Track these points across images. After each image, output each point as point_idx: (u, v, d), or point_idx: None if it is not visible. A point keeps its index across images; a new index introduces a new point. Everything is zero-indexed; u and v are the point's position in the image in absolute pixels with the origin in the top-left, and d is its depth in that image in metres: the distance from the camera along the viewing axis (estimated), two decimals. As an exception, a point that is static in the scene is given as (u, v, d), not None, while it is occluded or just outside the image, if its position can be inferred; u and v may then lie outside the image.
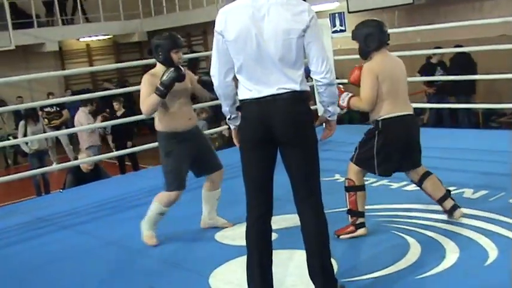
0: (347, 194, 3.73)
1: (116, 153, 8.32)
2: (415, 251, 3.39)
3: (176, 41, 3.81)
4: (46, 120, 11.47)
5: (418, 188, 4.56)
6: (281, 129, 2.69)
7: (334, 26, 11.79)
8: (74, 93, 13.83)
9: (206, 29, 14.63)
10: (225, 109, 2.91)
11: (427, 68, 9.60)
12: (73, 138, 11.14)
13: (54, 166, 8.31)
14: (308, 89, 2.77)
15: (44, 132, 9.12)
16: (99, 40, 17.12)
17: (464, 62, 9.06)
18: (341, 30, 12.06)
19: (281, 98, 2.68)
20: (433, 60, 9.71)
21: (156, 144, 6.33)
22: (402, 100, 3.64)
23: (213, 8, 12.75)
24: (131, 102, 14.65)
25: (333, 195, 4.38)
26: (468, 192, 4.31)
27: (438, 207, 4.01)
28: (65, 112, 11.98)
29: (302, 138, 2.73)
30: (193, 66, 13.02)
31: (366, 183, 4.91)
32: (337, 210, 4.16)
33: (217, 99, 3.07)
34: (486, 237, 3.45)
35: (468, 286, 2.98)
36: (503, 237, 3.45)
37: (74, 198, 5.62)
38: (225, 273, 3.41)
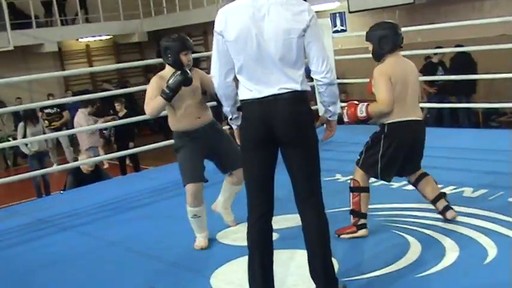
0: (351, 194, 3.73)
1: (117, 153, 8.32)
2: (415, 249, 3.40)
3: (185, 43, 3.79)
4: (46, 121, 11.47)
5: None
6: (282, 129, 2.69)
7: (335, 25, 11.81)
8: (74, 94, 13.83)
9: (206, 29, 14.63)
10: (226, 109, 2.92)
11: (429, 67, 9.60)
12: (73, 140, 11.15)
13: (55, 167, 8.32)
14: (309, 88, 2.77)
15: (44, 133, 9.12)
16: (98, 40, 17.12)
17: (464, 62, 9.06)
18: (342, 30, 12.10)
19: (282, 98, 2.68)
20: (434, 60, 9.72)
21: (157, 144, 6.42)
22: (411, 105, 3.62)
23: (213, 8, 12.76)
24: (133, 103, 14.69)
25: (334, 195, 4.39)
26: (468, 191, 4.32)
27: (434, 207, 4.02)
28: (66, 113, 11.98)
29: (303, 138, 2.74)
30: (193, 67, 12.97)
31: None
32: (338, 210, 4.17)
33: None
34: (486, 236, 3.46)
35: (468, 284, 2.98)
36: (503, 235, 3.46)
37: (74, 199, 5.63)
38: (226, 273, 3.42)
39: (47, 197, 8.25)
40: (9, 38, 13.26)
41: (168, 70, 3.81)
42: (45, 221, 4.95)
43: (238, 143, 3.00)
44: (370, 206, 4.25)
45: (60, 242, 4.41)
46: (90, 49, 17.30)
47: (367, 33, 3.73)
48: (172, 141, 6.65)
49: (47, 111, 11.79)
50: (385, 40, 3.59)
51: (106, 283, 3.57)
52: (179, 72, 3.64)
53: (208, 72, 3.16)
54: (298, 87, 2.69)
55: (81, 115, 9.58)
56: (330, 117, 2.91)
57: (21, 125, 9.26)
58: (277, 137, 2.72)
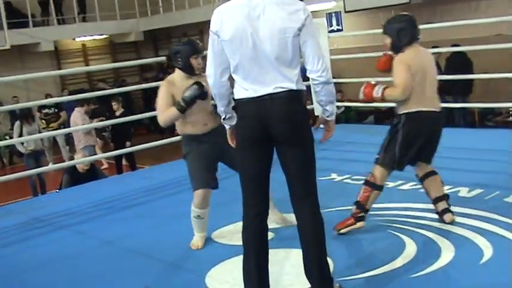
0: (363, 187, 3.74)
1: (113, 153, 8.31)
2: (410, 249, 3.40)
3: (196, 47, 3.76)
4: (44, 122, 11.44)
5: (415, 186, 4.58)
6: (278, 128, 2.69)
7: (331, 25, 11.85)
8: (70, 94, 13.81)
9: (203, 29, 14.62)
10: (220, 109, 2.92)
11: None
12: (69, 139, 11.13)
13: (51, 166, 8.31)
14: (304, 88, 2.77)
15: (39, 132, 9.10)
16: (95, 40, 17.09)
17: (460, 62, 9.08)
18: (338, 30, 12.14)
19: (278, 97, 2.68)
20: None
21: (153, 143, 6.42)
22: (430, 95, 3.64)
23: (210, 8, 12.75)
24: (129, 102, 14.68)
25: (330, 194, 4.41)
26: (463, 191, 4.33)
27: (433, 207, 4.02)
28: (63, 114, 11.95)
29: (299, 138, 2.74)
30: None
31: (361, 182, 4.93)
32: (334, 209, 4.18)
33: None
34: (481, 236, 3.46)
35: (463, 285, 2.99)
36: (499, 236, 3.46)
37: (70, 198, 5.62)
38: (221, 273, 3.41)
39: (42, 196, 8.25)
40: (6, 37, 13.23)
41: (178, 74, 3.79)
42: (41, 219, 4.94)
43: (230, 142, 3.00)
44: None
45: (55, 241, 4.40)
46: (86, 48, 17.27)
47: (384, 26, 3.75)
48: (168, 140, 6.71)
49: (45, 111, 11.77)
50: (403, 33, 3.62)
51: (101, 282, 3.56)
52: (196, 86, 3.61)
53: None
54: (293, 86, 2.69)
55: (77, 114, 9.57)
56: (327, 117, 2.89)
57: (17, 124, 9.24)
58: (273, 136, 2.72)
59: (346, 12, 11.64)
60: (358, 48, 10.62)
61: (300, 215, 2.81)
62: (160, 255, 3.80)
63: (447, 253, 3.30)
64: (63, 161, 9.73)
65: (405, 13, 3.79)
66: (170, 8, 15.42)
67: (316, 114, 7.05)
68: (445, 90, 9.62)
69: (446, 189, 4.21)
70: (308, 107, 6.36)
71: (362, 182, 3.80)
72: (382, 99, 3.69)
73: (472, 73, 8.78)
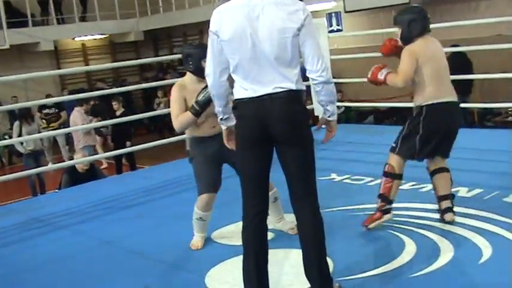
0: (384, 179, 3.73)
1: (113, 152, 8.31)
2: (410, 249, 3.40)
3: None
4: (45, 122, 11.44)
5: (414, 186, 4.60)
6: (278, 128, 2.69)
7: (331, 25, 11.85)
8: (70, 93, 13.82)
9: (203, 29, 14.62)
10: (218, 109, 2.93)
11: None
12: (69, 139, 11.13)
13: (50, 166, 8.31)
14: (304, 88, 2.77)
15: (39, 132, 9.10)
16: (94, 39, 17.09)
17: (460, 62, 9.06)
18: (338, 30, 12.14)
19: (277, 97, 2.68)
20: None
21: (153, 143, 6.42)
22: (447, 85, 3.66)
23: (210, 7, 12.75)
24: (130, 102, 14.68)
25: (329, 194, 4.41)
26: (463, 191, 4.33)
27: (433, 206, 4.03)
28: (63, 114, 11.96)
29: (298, 138, 2.74)
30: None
31: (361, 182, 4.95)
32: (334, 209, 4.18)
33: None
34: (480, 236, 3.47)
35: (462, 284, 2.99)
36: (498, 235, 3.47)
37: (69, 198, 5.61)
38: (221, 273, 3.41)
39: (42, 196, 8.25)
40: (5, 36, 13.25)
41: (189, 78, 3.78)
42: (40, 219, 4.94)
43: (225, 143, 3.00)
44: (365, 206, 4.27)
45: (55, 241, 4.40)
46: (86, 48, 17.28)
47: (395, 17, 3.76)
48: (168, 140, 6.71)
49: (45, 111, 11.78)
50: (414, 24, 3.63)
51: (100, 282, 3.56)
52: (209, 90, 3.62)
53: None
54: (293, 86, 2.69)
55: (77, 114, 9.58)
56: (329, 117, 2.89)
57: (16, 123, 9.24)
58: (273, 136, 2.72)
59: (346, 12, 11.64)
60: (358, 48, 10.62)
61: (300, 215, 2.81)
62: (160, 256, 3.80)
63: (446, 253, 3.30)
64: (63, 161, 9.73)
65: (416, 5, 3.79)
66: (170, 7, 15.42)
67: (316, 114, 7.06)
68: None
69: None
70: (308, 107, 6.37)
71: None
72: (384, 82, 3.72)
73: (472, 73, 8.77)
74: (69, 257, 4.01)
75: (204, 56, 3.63)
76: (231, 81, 2.83)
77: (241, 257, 2.83)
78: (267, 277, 2.81)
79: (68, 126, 9.89)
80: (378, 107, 11.36)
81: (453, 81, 3.80)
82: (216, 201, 3.95)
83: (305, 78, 2.78)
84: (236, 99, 2.79)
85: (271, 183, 3.65)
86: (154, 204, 5.05)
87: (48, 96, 13.61)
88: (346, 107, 10.44)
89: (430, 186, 4.49)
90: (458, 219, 3.76)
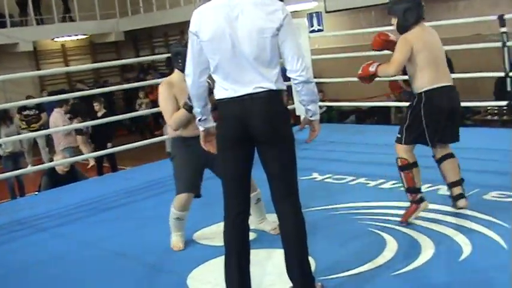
0: (402, 173, 3.74)
1: (94, 153, 8.24)
2: (391, 247, 3.42)
3: None
4: (24, 123, 11.30)
5: (395, 185, 4.62)
6: (258, 128, 2.69)
7: (312, 25, 11.88)
8: (50, 94, 13.67)
9: (184, 29, 14.54)
10: (197, 110, 2.93)
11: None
12: (49, 140, 11.00)
13: (29, 168, 8.21)
14: (284, 87, 2.77)
15: (18, 134, 9.00)
16: (74, 40, 16.94)
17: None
18: (319, 30, 12.17)
19: (258, 97, 2.68)
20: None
21: (133, 145, 6.38)
22: (443, 71, 3.71)
23: (191, 8, 12.70)
24: (111, 103, 14.57)
25: (311, 194, 4.42)
26: (443, 189, 4.34)
27: (447, 190, 4.03)
28: (43, 115, 11.81)
29: (279, 137, 2.74)
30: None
31: (343, 181, 4.97)
32: (315, 209, 4.19)
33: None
34: (461, 233, 3.50)
35: (443, 282, 3.01)
36: (477, 233, 3.50)
37: (49, 200, 5.55)
38: (203, 274, 3.40)
39: (21, 199, 8.13)
40: (-17, 37, 13.07)
41: (177, 75, 3.76)
42: (20, 222, 4.88)
43: (203, 145, 3.00)
44: (346, 205, 4.29)
45: (35, 243, 4.35)
46: (66, 49, 17.12)
47: (389, 7, 3.79)
48: (149, 141, 6.67)
49: (25, 112, 11.63)
50: (409, 12, 3.66)
51: (82, 284, 3.53)
52: None
53: None
54: (273, 86, 2.69)
55: (57, 115, 9.47)
56: (311, 117, 2.89)
57: (-6, 125, 9.12)
58: (254, 136, 2.72)
59: (327, 12, 11.69)
60: (339, 48, 10.67)
61: (282, 215, 2.81)
62: (142, 257, 3.78)
63: (427, 250, 3.32)
64: (43, 163, 9.61)
65: None
66: (151, 8, 15.35)
67: (297, 114, 7.07)
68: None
69: (426, 187, 4.26)
70: (289, 107, 6.36)
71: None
72: (375, 74, 3.76)
73: (453, 72, 8.84)
74: (50, 260, 3.97)
75: None
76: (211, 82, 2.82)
77: (223, 258, 2.82)
78: (249, 277, 2.82)
79: (48, 128, 9.78)
80: (359, 107, 11.41)
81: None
82: (198, 201, 3.94)
83: (286, 78, 2.78)
84: (217, 100, 2.79)
85: (255, 184, 3.66)
86: (136, 205, 5.02)
87: (28, 97, 13.44)
88: (328, 107, 10.48)
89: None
90: (439, 216, 3.79)
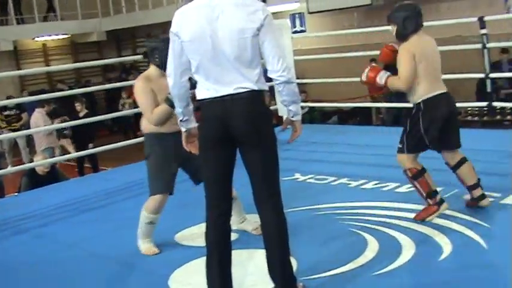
0: (416, 182, 3.75)
1: (75, 154, 8.17)
2: (372, 247, 3.44)
3: None
4: (5, 123, 11.18)
5: (377, 185, 4.64)
6: (240, 129, 2.69)
7: (295, 26, 11.90)
8: (30, 94, 13.52)
9: (166, 29, 14.34)
10: (178, 110, 2.91)
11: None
12: (30, 141, 10.89)
13: (9, 169, 8.11)
14: (266, 88, 2.77)
15: (-1, 134, 8.90)
16: (56, 40, 16.78)
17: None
18: (301, 31, 12.20)
19: (239, 98, 2.68)
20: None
21: (115, 145, 6.33)
22: (439, 78, 3.74)
23: (173, 8, 12.66)
24: (93, 103, 14.46)
25: (293, 194, 4.42)
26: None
27: (396, 205, 4.09)
28: (24, 115, 11.68)
29: (261, 138, 2.74)
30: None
31: (325, 182, 4.99)
32: (298, 209, 4.19)
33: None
34: (441, 233, 3.53)
35: (423, 281, 3.03)
36: (457, 232, 3.53)
37: (30, 201, 5.49)
38: (184, 275, 3.39)
39: (1, 200, 8.03)
40: (-38, 36, 12.89)
41: (153, 71, 3.69)
42: (0, 223, 4.82)
43: (184, 146, 2.98)
44: (328, 205, 4.30)
45: (16, 245, 4.30)
46: (47, 48, 16.95)
47: (389, 14, 3.80)
48: (131, 141, 6.62)
49: (6, 113, 11.50)
50: (408, 21, 3.68)
51: (62, 285, 3.49)
52: None
53: None
54: (254, 86, 2.69)
55: (38, 115, 9.39)
56: (292, 117, 2.88)
57: (-26, 126, 9.01)
58: (235, 137, 2.71)
59: (309, 13, 11.72)
60: (321, 49, 10.71)
61: (264, 215, 2.81)
62: (123, 258, 3.75)
63: (408, 250, 3.34)
64: (23, 164, 9.51)
65: (409, 2, 3.84)
66: (133, 8, 15.27)
67: (280, 114, 7.08)
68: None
69: (407, 188, 4.29)
70: (272, 107, 6.36)
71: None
72: (384, 87, 3.76)
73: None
74: (31, 261, 3.92)
75: None
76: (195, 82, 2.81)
77: (204, 259, 2.81)
78: (231, 278, 2.81)
79: (29, 128, 9.68)
80: (341, 107, 11.46)
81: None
82: (179, 202, 3.93)
83: (269, 79, 2.78)
84: (198, 100, 2.78)
85: None
86: (117, 206, 4.99)
87: (9, 97, 13.28)
88: (310, 107, 10.51)
89: (392, 185, 4.58)
90: (428, 218, 3.79)
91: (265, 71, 2.75)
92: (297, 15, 12.23)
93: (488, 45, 5.93)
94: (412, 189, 4.06)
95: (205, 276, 2.80)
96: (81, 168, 9.49)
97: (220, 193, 2.81)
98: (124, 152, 7.10)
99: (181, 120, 2.93)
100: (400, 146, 3.76)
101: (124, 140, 6.69)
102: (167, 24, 2.87)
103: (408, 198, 4.15)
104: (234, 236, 3.13)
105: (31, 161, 7.73)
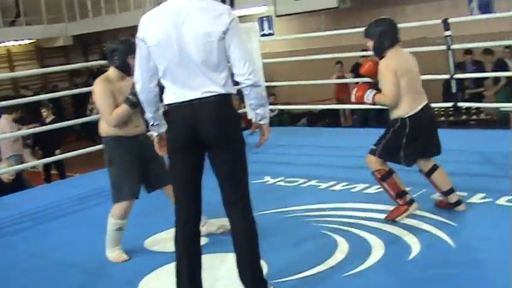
0: (385, 183, 3.77)
1: (42, 161, 8.02)
2: (342, 249, 3.46)
3: (133, 46, 3.56)
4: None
5: (346, 186, 4.67)
6: (208, 133, 2.68)
7: (263, 29, 11.93)
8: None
9: (133, 33, 14.14)
10: (148, 115, 2.89)
11: (356, 68, 9.84)
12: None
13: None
14: (233, 91, 2.76)
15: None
16: (20, 45, 16.49)
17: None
18: (269, 34, 12.23)
19: (207, 102, 2.67)
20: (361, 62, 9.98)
21: (83, 151, 6.23)
22: (421, 92, 3.77)
23: (140, 12, 12.49)
24: (60, 109, 14.23)
25: (263, 197, 4.42)
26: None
27: (365, 206, 4.11)
28: None
29: (229, 141, 2.73)
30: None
31: (295, 184, 5.00)
32: (267, 212, 4.19)
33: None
34: (410, 233, 3.56)
35: (392, 281, 3.06)
36: (425, 232, 3.58)
37: (-5, 209, 5.37)
38: (154, 281, 3.35)
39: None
40: None
41: (113, 73, 3.64)
42: (-37, 233, 4.70)
43: (157, 150, 2.96)
44: (298, 207, 4.31)
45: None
46: (11, 54, 16.65)
47: (366, 30, 3.82)
48: (100, 146, 6.51)
49: None
50: (384, 36, 3.70)
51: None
52: None
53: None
54: (222, 90, 2.68)
55: (4, 122, 9.17)
56: (260, 120, 2.88)
57: None
58: (204, 141, 2.70)
59: (277, 16, 11.77)
60: (289, 52, 10.75)
61: (233, 219, 2.80)
62: (91, 266, 3.69)
63: (377, 251, 3.37)
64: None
65: (385, 17, 3.87)
66: (100, 12, 15.09)
67: (249, 117, 7.07)
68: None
69: (375, 188, 4.33)
70: (241, 110, 6.36)
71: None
72: (373, 104, 3.78)
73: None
74: (-4, 271, 3.84)
75: (130, 51, 3.54)
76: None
77: (174, 264, 2.79)
78: (201, 283, 2.80)
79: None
80: (310, 110, 11.53)
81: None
82: (148, 207, 3.89)
83: (237, 82, 2.77)
84: (166, 105, 2.76)
85: None
86: (85, 213, 4.91)
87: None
88: (280, 110, 10.55)
89: (361, 186, 4.61)
90: (398, 218, 3.82)
91: (233, 75, 2.75)
92: (265, 19, 12.27)
93: (453, 46, 6.03)
94: (381, 190, 4.10)
95: (175, 281, 2.78)
96: (48, 175, 9.33)
97: (189, 198, 2.79)
98: (92, 157, 7.00)
99: (152, 125, 2.91)
100: (374, 148, 3.78)
101: (92, 146, 6.59)
102: (134, 29, 2.85)
103: (377, 199, 4.18)
104: (204, 241, 3.11)
105: (-4, 168, 7.57)
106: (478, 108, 9.57)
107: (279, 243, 3.63)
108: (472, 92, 9.51)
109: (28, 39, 16.05)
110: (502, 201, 3.96)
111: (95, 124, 3.79)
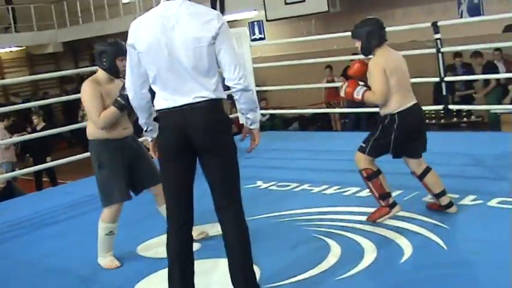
0: (370, 182, 3.78)
1: (32, 168, 7.98)
2: (335, 252, 3.46)
3: (122, 48, 3.50)
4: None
5: (338, 190, 4.67)
6: (199, 138, 2.68)
7: (253, 34, 11.93)
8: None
9: (124, 39, 14.24)
10: (142, 121, 2.91)
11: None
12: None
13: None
14: (224, 96, 2.76)
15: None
16: (10, 52, 16.42)
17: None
18: (260, 38, 12.24)
19: (197, 107, 2.67)
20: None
21: (74, 158, 6.20)
22: (409, 89, 3.80)
23: (130, 18, 12.52)
24: (50, 116, 14.18)
25: (255, 202, 4.42)
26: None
27: (357, 209, 4.12)
28: None
29: (221, 146, 2.73)
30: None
31: (287, 188, 5.00)
32: (260, 217, 4.19)
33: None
34: (402, 236, 3.57)
35: (385, 283, 3.06)
36: (418, 234, 3.58)
37: (-14, 218, 5.33)
38: (147, 287, 3.34)
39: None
40: None
41: (101, 75, 3.63)
42: (-46, 242, 4.66)
43: (152, 155, 2.97)
44: (289, 212, 4.31)
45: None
46: (1, 61, 16.60)
47: (353, 31, 3.83)
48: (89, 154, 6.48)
49: None
50: (372, 35, 3.72)
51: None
52: None
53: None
54: (212, 95, 2.68)
55: (-5, 129, 9.14)
56: (250, 125, 2.88)
57: None
58: (195, 146, 2.70)
59: (267, 21, 11.79)
60: (280, 56, 10.78)
61: (225, 224, 2.80)
62: (84, 273, 3.67)
63: (370, 254, 3.37)
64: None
65: (372, 17, 3.89)
66: (90, 18, 15.08)
67: (241, 122, 7.08)
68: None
69: (367, 191, 4.32)
70: (232, 115, 6.36)
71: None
72: (362, 100, 3.79)
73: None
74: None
75: (119, 54, 3.54)
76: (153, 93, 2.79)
77: (167, 270, 2.77)
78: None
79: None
80: (302, 114, 11.54)
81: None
82: (140, 214, 3.88)
83: (228, 87, 2.77)
84: (157, 110, 2.76)
85: None
86: (77, 220, 4.89)
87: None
88: (271, 114, 10.55)
89: (353, 190, 4.61)
90: (379, 220, 3.84)
91: (223, 80, 2.75)
92: (255, 23, 12.28)
93: (443, 49, 6.06)
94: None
95: (168, 287, 2.76)
96: (39, 182, 9.29)
97: (180, 203, 2.78)
98: (83, 164, 6.98)
99: (145, 131, 2.92)
100: (364, 145, 3.80)
101: (83, 152, 6.56)
102: (124, 35, 2.85)
103: (369, 202, 4.18)
104: (197, 246, 3.10)
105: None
106: (468, 111, 9.61)
107: (272, 248, 3.62)
108: (462, 95, 9.57)
109: (18, 46, 16.00)
110: (493, 202, 3.98)
111: (85, 131, 3.77)
